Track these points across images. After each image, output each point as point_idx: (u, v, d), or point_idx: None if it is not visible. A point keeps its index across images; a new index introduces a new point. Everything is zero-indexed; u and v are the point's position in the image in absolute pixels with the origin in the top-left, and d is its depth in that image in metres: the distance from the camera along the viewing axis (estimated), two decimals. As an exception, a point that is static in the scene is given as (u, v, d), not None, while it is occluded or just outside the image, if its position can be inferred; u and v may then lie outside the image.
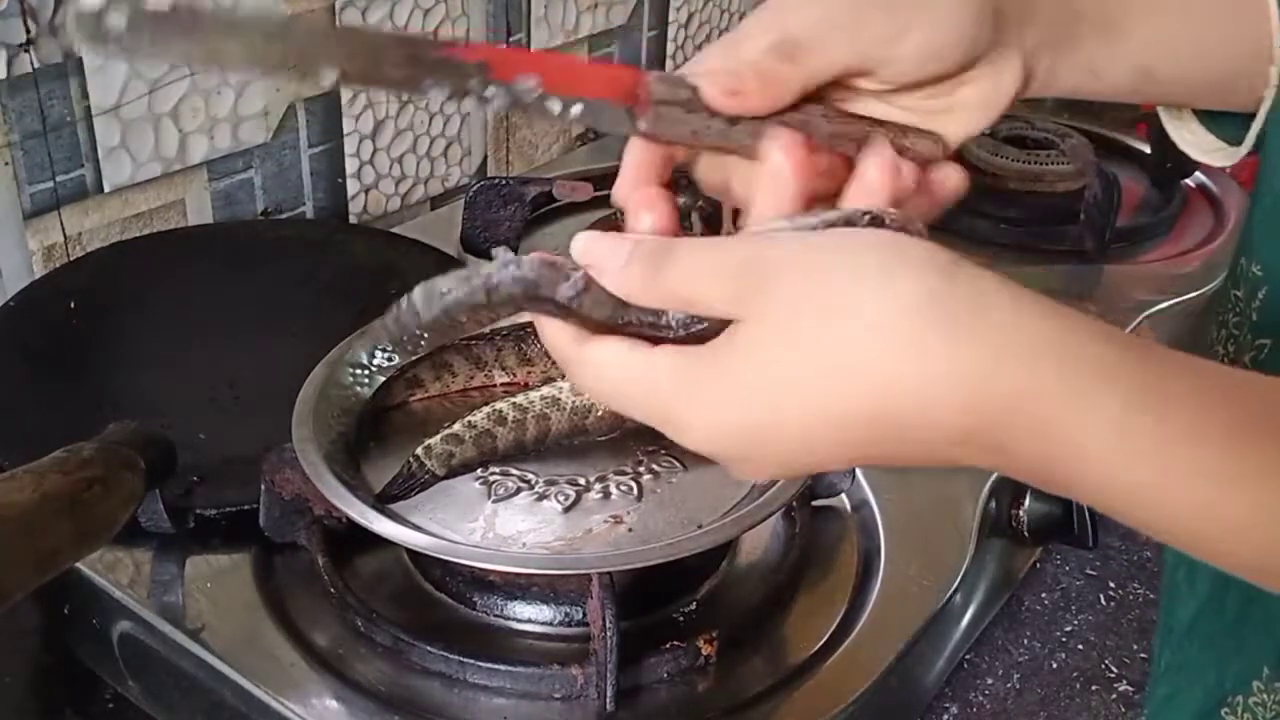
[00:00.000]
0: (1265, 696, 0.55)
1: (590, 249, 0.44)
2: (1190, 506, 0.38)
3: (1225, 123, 0.58)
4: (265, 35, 0.45)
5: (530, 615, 0.71)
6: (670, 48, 1.42)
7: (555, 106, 0.47)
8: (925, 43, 0.49)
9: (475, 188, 1.05)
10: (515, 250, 1.05)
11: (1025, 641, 0.82)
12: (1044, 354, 0.38)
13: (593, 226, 1.15)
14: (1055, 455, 0.38)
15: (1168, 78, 0.55)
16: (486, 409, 0.71)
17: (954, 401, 0.38)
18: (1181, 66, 0.55)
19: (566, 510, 0.68)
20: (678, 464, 0.72)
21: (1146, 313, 1.03)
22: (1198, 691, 0.59)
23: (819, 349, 0.39)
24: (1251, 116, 0.55)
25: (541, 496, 0.69)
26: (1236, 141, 0.58)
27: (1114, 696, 0.79)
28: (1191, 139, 0.60)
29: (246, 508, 0.73)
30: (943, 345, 0.38)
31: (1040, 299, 0.40)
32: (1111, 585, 0.87)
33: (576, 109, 0.47)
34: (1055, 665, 0.81)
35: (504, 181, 1.05)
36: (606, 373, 0.44)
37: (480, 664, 0.66)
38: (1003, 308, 0.39)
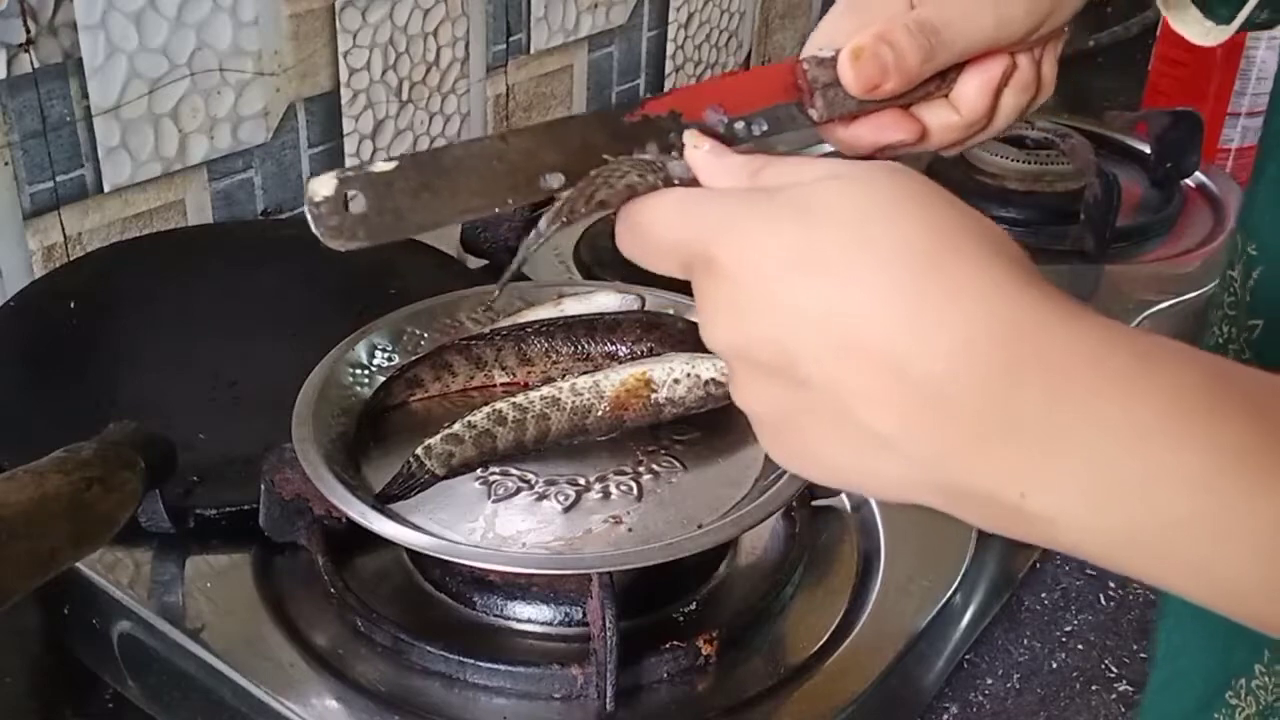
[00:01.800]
0: (1267, 679, 0.54)
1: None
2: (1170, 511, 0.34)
3: (1219, 5, 0.59)
4: (487, 160, 0.44)
5: (530, 615, 0.71)
6: (670, 48, 1.42)
7: (741, 128, 0.49)
8: (1067, 15, 0.52)
9: (475, 188, 1.05)
10: (516, 252, 1.05)
11: (1025, 641, 0.82)
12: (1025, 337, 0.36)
13: (593, 226, 1.15)
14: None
15: None
16: (486, 409, 0.71)
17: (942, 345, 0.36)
18: None
19: (566, 510, 0.68)
20: (678, 464, 0.72)
21: (1146, 313, 1.03)
22: (1196, 678, 0.59)
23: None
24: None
25: (541, 496, 0.69)
26: (1227, 21, 0.59)
27: (1114, 696, 0.79)
28: (1185, 22, 0.62)
29: (246, 508, 0.73)
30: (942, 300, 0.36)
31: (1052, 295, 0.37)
32: (1111, 585, 0.87)
33: (759, 126, 0.49)
34: (1055, 665, 0.81)
35: (504, 181, 1.05)
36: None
37: (480, 664, 0.66)
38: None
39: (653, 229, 0.43)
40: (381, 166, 0.42)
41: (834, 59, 0.50)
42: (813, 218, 0.38)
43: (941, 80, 0.52)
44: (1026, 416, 0.35)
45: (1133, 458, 0.34)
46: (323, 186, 0.41)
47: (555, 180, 0.45)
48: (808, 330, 0.37)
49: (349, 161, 1.13)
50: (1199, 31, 0.62)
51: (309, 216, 0.41)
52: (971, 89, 0.53)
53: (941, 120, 0.53)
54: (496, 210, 0.45)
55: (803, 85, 0.50)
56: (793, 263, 0.38)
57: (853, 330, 0.36)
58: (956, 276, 0.36)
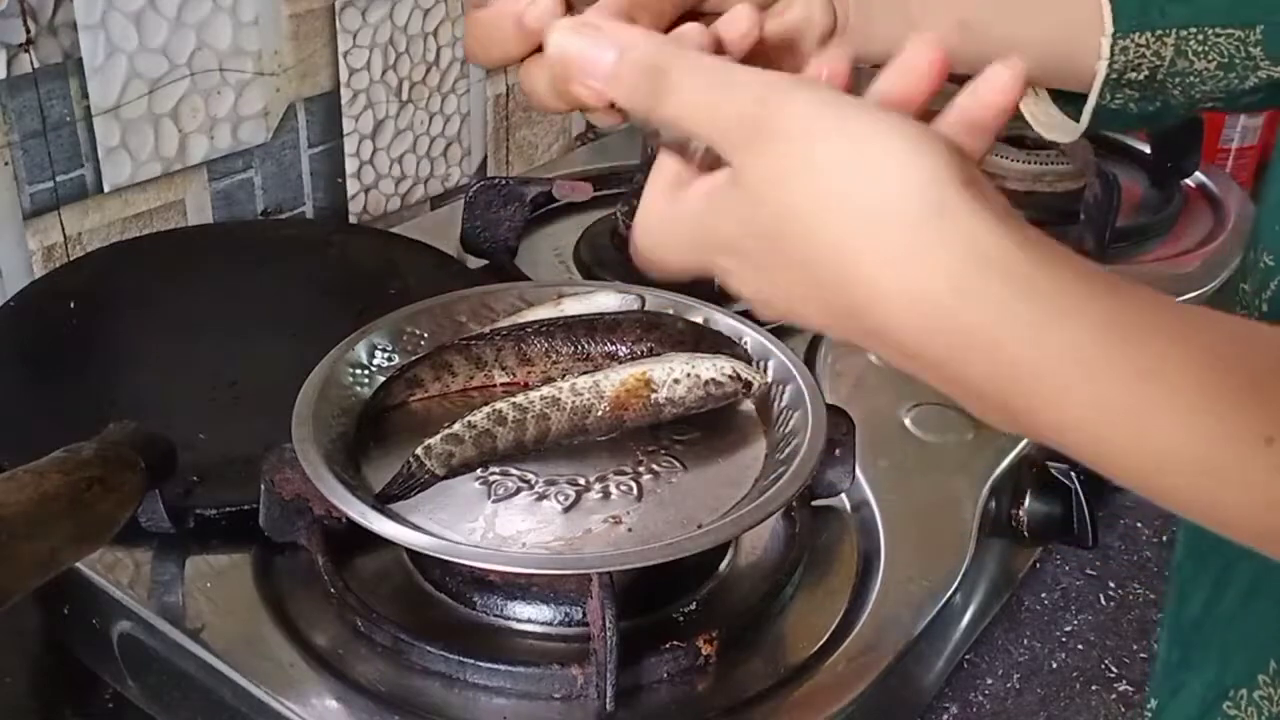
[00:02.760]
0: (1272, 690, 0.54)
1: (565, 44, 0.45)
2: (1153, 439, 0.38)
3: (1074, 97, 0.59)
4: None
5: (530, 615, 0.71)
6: (670, 48, 1.41)
7: None
8: None
9: (475, 188, 1.05)
10: (515, 251, 1.05)
11: (1025, 641, 0.82)
12: (1010, 276, 0.38)
13: (593, 226, 1.15)
14: (1011, 375, 0.39)
15: (990, 36, 0.56)
16: (486, 409, 0.71)
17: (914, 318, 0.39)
18: (1006, 27, 0.55)
19: (566, 510, 0.68)
20: (678, 464, 0.72)
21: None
22: (1198, 687, 0.59)
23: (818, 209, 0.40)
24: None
25: (541, 496, 0.69)
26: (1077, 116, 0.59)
27: (1114, 696, 0.79)
28: (1038, 114, 0.62)
29: (246, 508, 0.73)
30: (927, 252, 0.38)
31: (1025, 229, 0.39)
32: (1111, 585, 0.87)
33: None
34: (1055, 665, 0.81)
35: (504, 181, 1.05)
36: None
37: (480, 664, 0.66)
38: (991, 232, 0.39)
39: (668, 240, 0.45)
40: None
41: None
42: (772, 210, 0.41)
43: None
44: (972, 383, 0.39)
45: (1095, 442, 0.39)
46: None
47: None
48: (808, 308, 0.42)
49: (349, 162, 1.13)
50: (1048, 125, 0.62)
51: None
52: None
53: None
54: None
55: None
56: (766, 256, 0.42)
57: (837, 304, 0.41)
58: (887, 264, 0.39)
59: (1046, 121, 0.62)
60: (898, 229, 0.38)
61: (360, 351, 0.76)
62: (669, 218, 0.45)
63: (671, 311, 0.79)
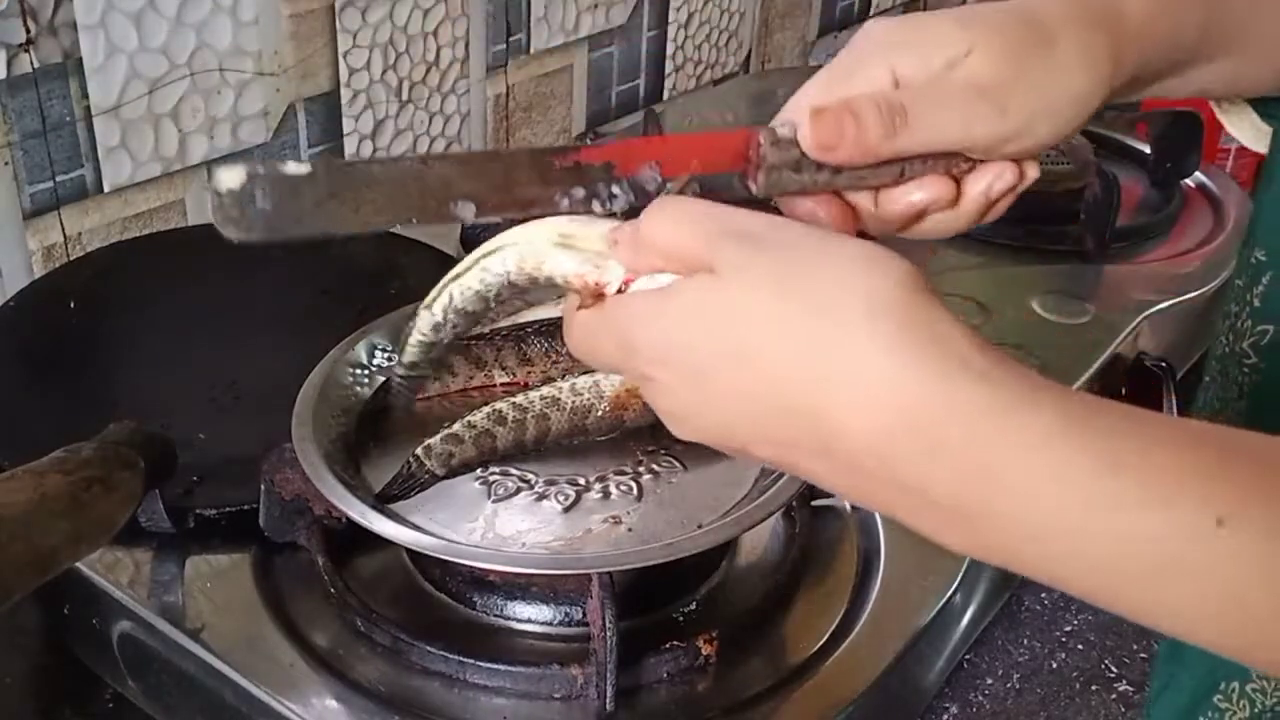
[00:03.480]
0: (1265, 683, 0.54)
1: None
2: (1111, 540, 0.38)
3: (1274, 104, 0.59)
4: (402, 181, 0.45)
5: (530, 615, 0.71)
6: (670, 48, 1.42)
7: (675, 188, 0.49)
8: (1040, 143, 0.52)
9: (475, 188, 1.05)
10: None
11: (1025, 641, 0.82)
12: (975, 377, 0.39)
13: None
14: (970, 472, 0.39)
15: (1224, 94, 0.58)
16: (486, 409, 0.71)
17: (884, 397, 0.39)
18: (1239, 87, 0.56)
19: (566, 510, 0.68)
20: (678, 464, 0.72)
21: (1146, 313, 1.03)
22: (1189, 679, 0.59)
23: (775, 313, 0.41)
24: None
25: (541, 496, 0.69)
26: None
27: (1114, 696, 0.79)
28: (1240, 125, 0.62)
29: (246, 508, 0.73)
30: (891, 348, 0.40)
31: (979, 335, 0.41)
32: (1111, 585, 0.87)
33: (694, 187, 0.49)
34: (1055, 665, 0.81)
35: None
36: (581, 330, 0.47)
37: (480, 664, 0.66)
38: (947, 323, 0.41)
39: (592, 356, 0.47)
40: (294, 169, 0.43)
41: (792, 138, 0.50)
42: (717, 314, 0.42)
43: (900, 175, 0.52)
44: (930, 503, 0.40)
45: (1034, 553, 0.40)
46: (229, 178, 0.42)
47: (466, 210, 0.46)
48: (741, 425, 0.43)
49: (349, 161, 1.14)
50: (1252, 135, 0.62)
51: (210, 204, 0.42)
52: (894, 208, 0.53)
53: (865, 208, 0.53)
54: (398, 226, 0.46)
55: (753, 157, 0.50)
56: (711, 364, 0.42)
57: (775, 428, 0.42)
58: (851, 361, 0.40)
59: (1249, 131, 0.62)
60: (864, 326, 0.40)
61: (360, 351, 0.76)
62: (607, 316, 0.46)
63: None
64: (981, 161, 0.52)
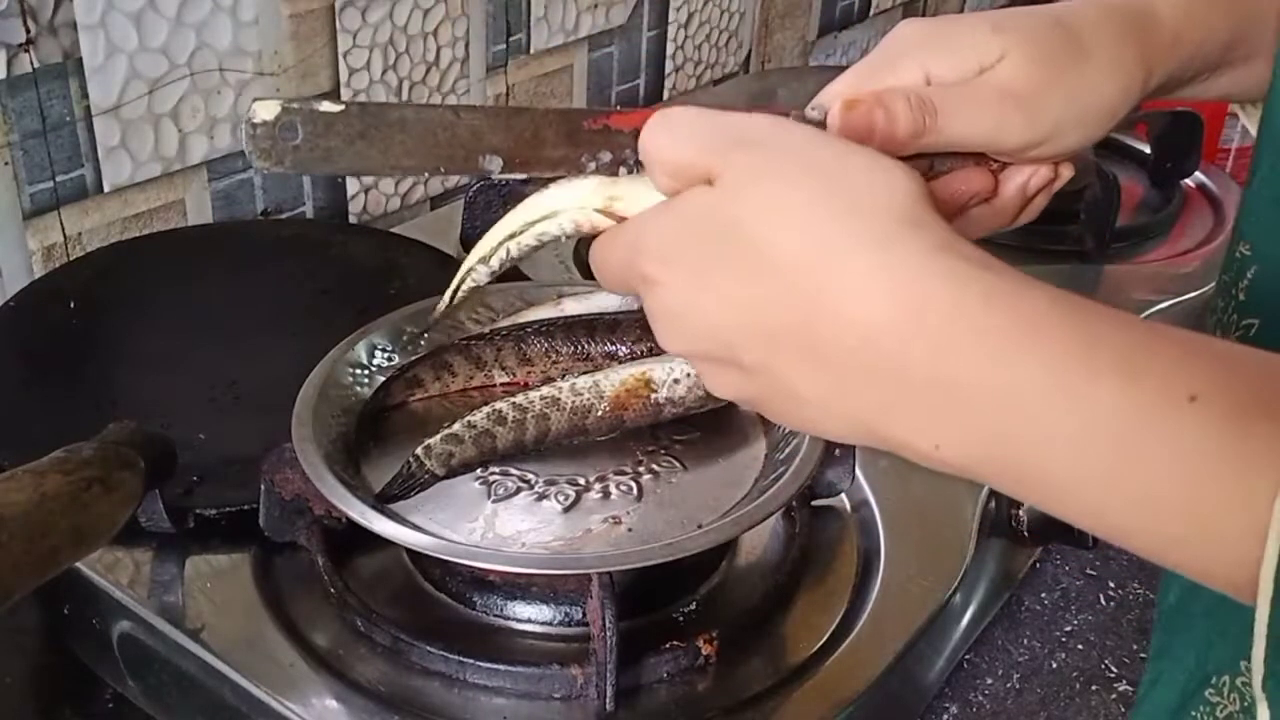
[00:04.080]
0: (1254, 677, 0.54)
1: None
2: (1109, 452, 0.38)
3: None
4: (432, 129, 0.46)
5: (530, 615, 0.71)
6: (670, 48, 1.42)
7: None
8: (1068, 149, 0.53)
9: (475, 187, 1.05)
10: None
11: (1025, 641, 0.82)
12: (978, 284, 0.40)
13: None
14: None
15: (1247, 98, 0.58)
16: (486, 409, 0.71)
17: (884, 287, 0.40)
18: (1263, 90, 0.56)
19: (566, 510, 0.68)
20: (678, 464, 0.72)
21: (1146, 313, 1.03)
22: (1179, 673, 0.59)
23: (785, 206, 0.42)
24: None
25: (541, 496, 0.69)
26: None
27: (1114, 696, 0.79)
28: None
29: (246, 508, 0.73)
30: (893, 245, 0.41)
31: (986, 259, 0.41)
32: (1111, 585, 0.87)
33: None
34: (1055, 665, 0.81)
35: (504, 181, 1.05)
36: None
37: (480, 664, 0.66)
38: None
39: (602, 266, 0.48)
40: (328, 106, 0.45)
41: (821, 121, 0.51)
42: (723, 214, 0.43)
43: (929, 169, 0.52)
44: (919, 385, 0.40)
45: (1020, 421, 0.39)
46: (265, 111, 0.44)
47: (494, 163, 0.47)
48: (736, 323, 0.43)
49: (349, 161, 1.13)
50: None
51: (244, 134, 0.43)
52: (937, 201, 0.53)
53: None
54: (426, 174, 0.47)
55: None
56: (712, 259, 0.43)
57: (772, 318, 0.42)
58: (852, 261, 0.41)
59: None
60: (867, 219, 0.41)
61: (360, 351, 0.76)
62: (621, 227, 0.48)
63: (671, 311, 0.79)
64: (1010, 162, 0.53)
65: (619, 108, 0.51)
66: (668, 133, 0.46)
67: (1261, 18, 0.55)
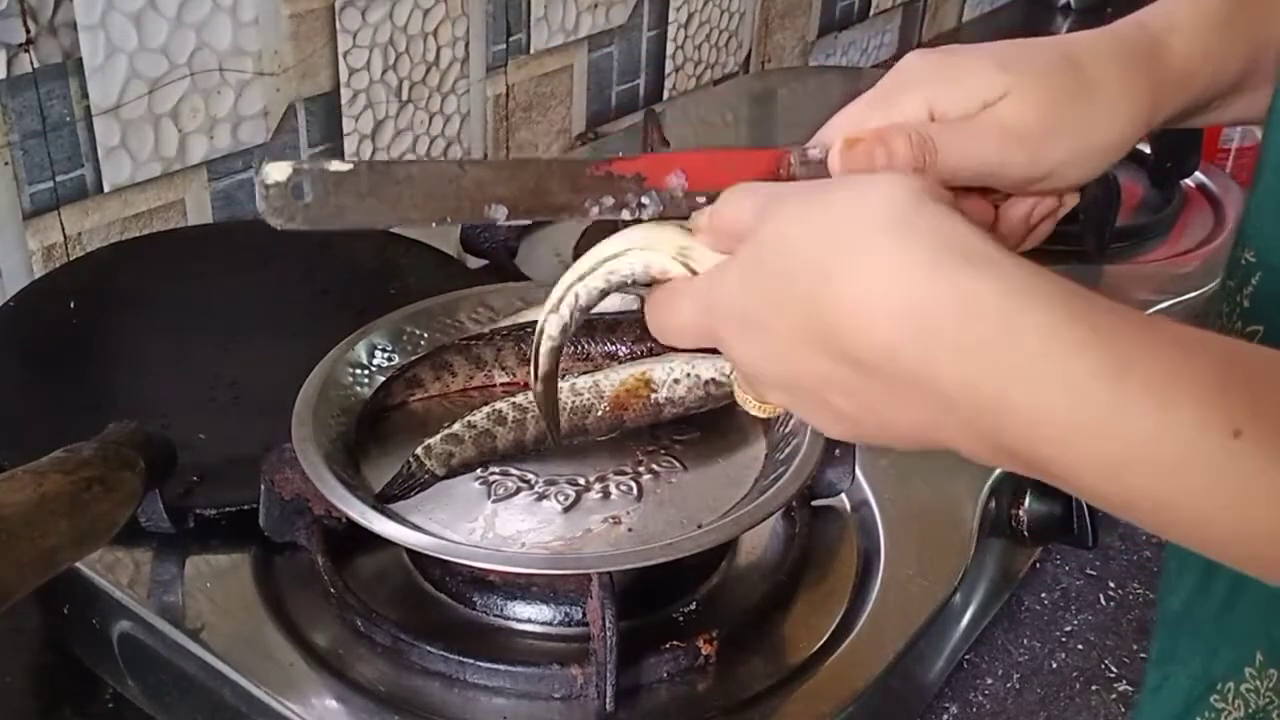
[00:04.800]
0: (1258, 683, 0.54)
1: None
2: (1129, 443, 0.38)
3: None
4: (438, 183, 0.47)
5: (530, 615, 0.71)
6: (670, 48, 1.42)
7: (701, 200, 0.50)
8: (1068, 185, 0.53)
9: (475, 188, 1.05)
10: (515, 251, 1.05)
11: (1025, 641, 0.82)
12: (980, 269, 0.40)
13: (593, 227, 1.15)
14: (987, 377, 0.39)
15: (1258, 122, 0.57)
16: (486, 409, 0.71)
17: (896, 297, 0.40)
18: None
19: (566, 510, 0.68)
20: (678, 464, 0.72)
21: (1146, 313, 1.03)
22: (1184, 679, 0.59)
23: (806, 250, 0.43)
24: None
25: (541, 496, 0.69)
26: None
27: (1114, 696, 0.79)
28: None
29: (246, 508, 0.73)
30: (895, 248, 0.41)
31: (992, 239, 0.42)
32: (1111, 585, 0.87)
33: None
34: (1055, 665, 0.81)
35: (504, 181, 1.05)
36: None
37: (480, 664, 0.66)
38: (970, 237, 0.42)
39: (665, 327, 0.49)
40: (337, 166, 0.46)
41: (822, 160, 0.51)
42: (771, 268, 0.44)
43: None
44: (945, 403, 0.40)
45: (1054, 451, 0.39)
46: (277, 172, 0.45)
47: (499, 212, 0.49)
48: (789, 357, 0.43)
49: (349, 161, 1.13)
50: None
51: (257, 194, 0.45)
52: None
53: None
54: (433, 224, 0.48)
55: (782, 175, 0.51)
56: (767, 313, 0.43)
57: (811, 347, 0.42)
58: (865, 259, 0.41)
59: None
60: (875, 230, 0.41)
61: (360, 351, 0.76)
62: (676, 292, 0.48)
63: (671, 311, 0.79)
64: (1012, 194, 0.53)
65: (620, 155, 0.51)
66: (731, 201, 0.47)
67: (1272, 44, 0.54)
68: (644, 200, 0.49)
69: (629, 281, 0.50)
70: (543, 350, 0.53)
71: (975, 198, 0.53)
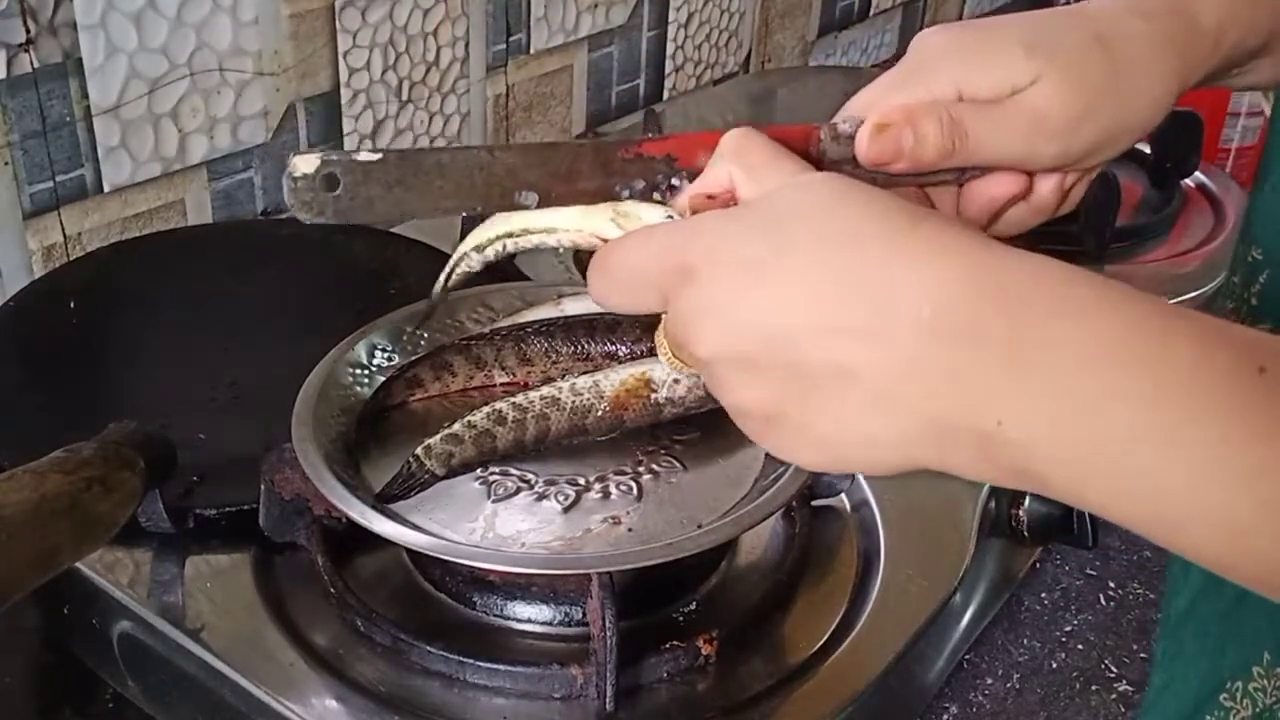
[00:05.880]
0: (1265, 682, 0.54)
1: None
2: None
3: None
4: (469, 170, 0.46)
5: (530, 615, 0.71)
6: (670, 48, 1.42)
7: None
8: (1098, 164, 0.53)
9: (475, 188, 1.05)
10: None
11: (1025, 641, 0.82)
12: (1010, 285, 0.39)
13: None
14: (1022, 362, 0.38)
15: (1273, 86, 0.58)
16: (486, 409, 0.71)
17: (928, 271, 0.39)
18: None
19: (566, 510, 0.68)
20: (678, 464, 0.72)
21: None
22: (1193, 679, 0.59)
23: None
24: None
25: (541, 496, 0.69)
26: None
27: (1114, 696, 0.79)
28: None
29: (246, 508, 0.73)
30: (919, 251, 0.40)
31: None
32: (1111, 585, 0.87)
33: None
34: (1055, 665, 0.81)
35: (504, 181, 1.05)
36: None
37: (480, 664, 0.66)
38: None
39: (625, 260, 0.45)
40: (365, 156, 0.45)
41: (852, 135, 0.50)
42: (777, 214, 0.42)
43: (960, 173, 0.52)
44: (994, 346, 0.38)
45: (1091, 377, 0.37)
46: (305, 164, 0.45)
47: (529, 198, 0.48)
48: (794, 312, 0.40)
49: (349, 161, 1.13)
50: None
51: (285, 188, 0.44)
52: (974, 204, 0.53)
53: (942, 208, 0.53)
54: (464, 213, 0.47)
55: (812, 152, 0.50)
56: (768, 254, 0.41)
57: (836, 303, 0.39)
58: (922, 236, 0.40)
59: None
60: (918, 222, 0.40)
61: (360, 351, 0.76)
62: (652, 229, 0.46)
63: (671, 311, 0.79)
64: None
65: (650, 135, 0.51)
66: (758, 137, 0.46)
67: None
68: (674, 181, 0.49)
69: (560, 249, 0.50)
70: (455, 272, 0.55)
71: (1008, 171, 0.52)
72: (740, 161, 0.45)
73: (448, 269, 0.59)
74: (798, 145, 0.50)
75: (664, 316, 0.46)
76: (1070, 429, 0.37)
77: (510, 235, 0.52)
